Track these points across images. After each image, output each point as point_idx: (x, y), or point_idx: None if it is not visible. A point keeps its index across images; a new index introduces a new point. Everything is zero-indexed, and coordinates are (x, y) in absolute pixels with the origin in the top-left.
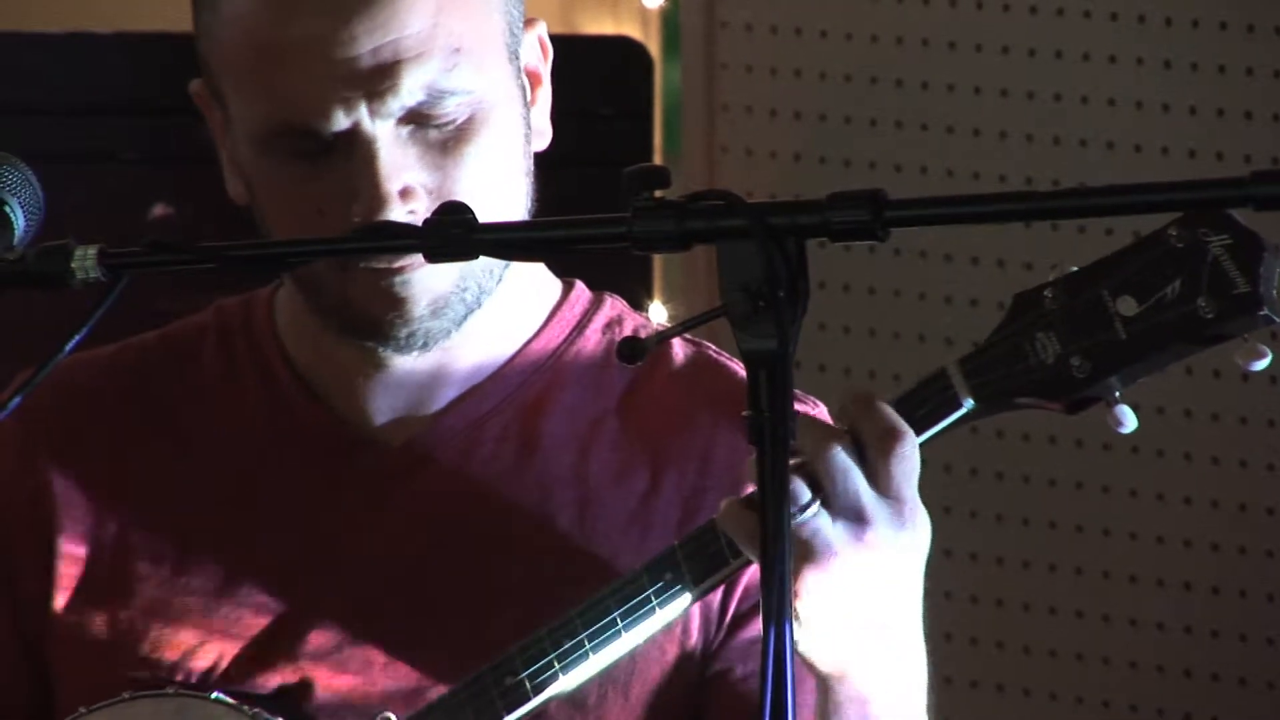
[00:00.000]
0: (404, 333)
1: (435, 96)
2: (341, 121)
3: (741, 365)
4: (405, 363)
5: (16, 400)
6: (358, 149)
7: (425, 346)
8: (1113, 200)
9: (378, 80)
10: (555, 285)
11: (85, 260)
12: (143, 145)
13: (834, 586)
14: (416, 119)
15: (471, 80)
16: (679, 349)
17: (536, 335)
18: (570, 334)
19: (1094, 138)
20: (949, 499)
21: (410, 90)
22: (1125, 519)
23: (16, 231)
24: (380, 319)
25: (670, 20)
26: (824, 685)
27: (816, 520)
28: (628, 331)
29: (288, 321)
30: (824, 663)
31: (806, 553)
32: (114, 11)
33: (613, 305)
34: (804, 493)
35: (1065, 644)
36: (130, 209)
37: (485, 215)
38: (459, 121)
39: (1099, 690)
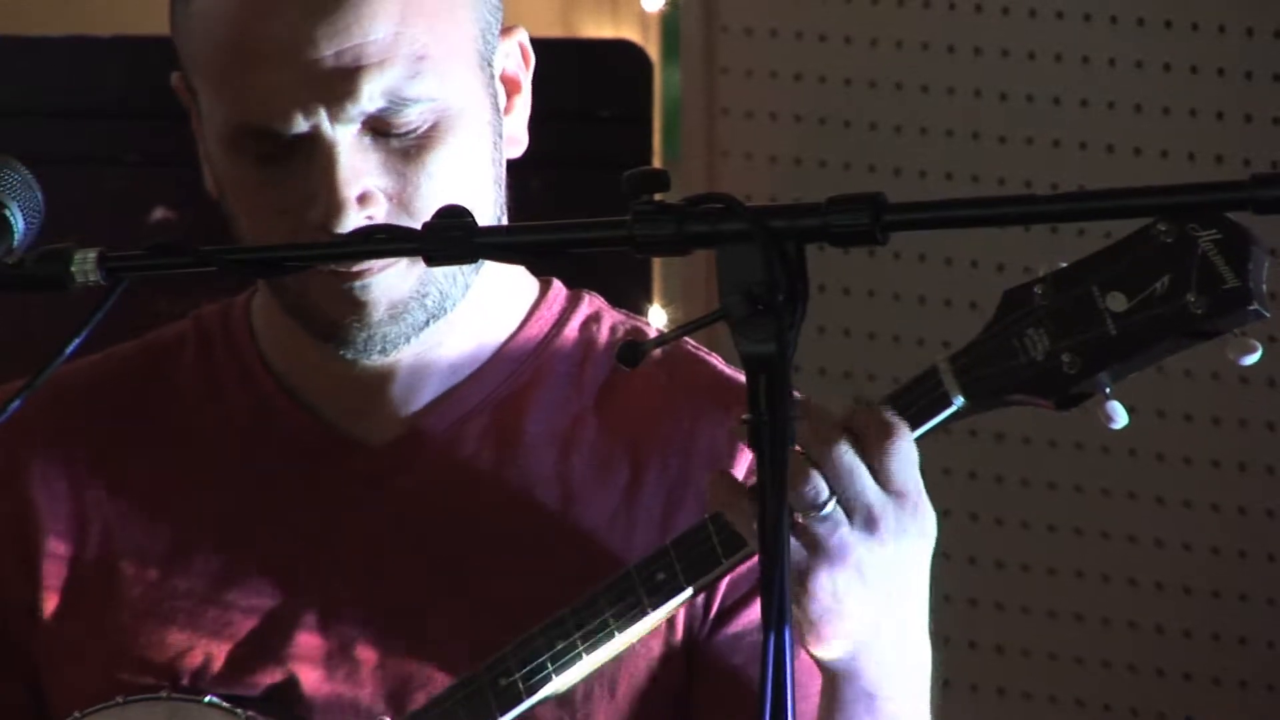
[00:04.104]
0: (361, 337)
1: (397, 104)
2: (301, 125)
3: (718, 358)
4: (385, 364)
5: (17, 403)
6: (317, 153)
7: (384, 351)
8: (1112, 204)
9: (338, 85)
10: (533, 284)
11: (85, 263)
12: (142, 148)
13: (849, 585)
14: (378, 125)
15: (435, 89)
16: None
17: (515, 334)
18: (549, 331)
19: (1093, 141)
20: (948, 502)
21: (370, 97)
22: (1124, 522)
23: (16, 234)
24: (339, 322)
25: (670, 24)
26: (833, 682)
27: (834, 520)
28: (606, 328)
29: (265, 326)
30: (836, 660)
31: (824, 553)
32: (112, 15)
33: (590, 302)
34: (823, 492)
35: (1064, 647)
36: (130, 212)
37: None
38: (422, 129)
39: (1098, 693)
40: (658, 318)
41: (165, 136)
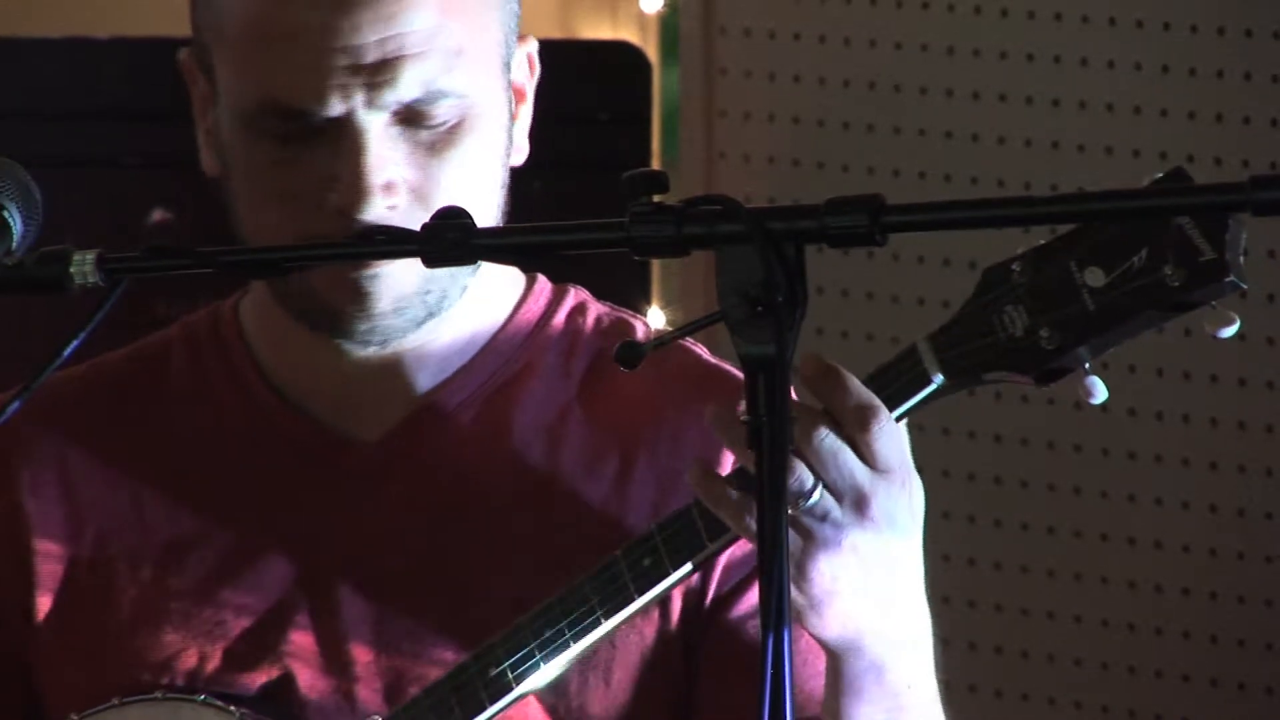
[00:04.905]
0: (363, 328)
1: (431, 96)
2: (336, 108)
3: (704, 348)
4: (375, 359)
5: (16, 405)
6: (346, 138)
7: (383, 344)
8: (1110, 205)
9: (378, 72)
10: (519, 277)
11: (84, 265)
12: (142, 150)
13: (846, 566)
14: (409, 117)
15: (467, 84)
16: (642, 335)
17: (503, 327)
18: (537, 323)
19: (1092, 143)
20: (947, 504)
21: (409, 86)
22: (1122, 524)
23: (15, 236)
24: (341, 312)
25: (669, 25)
26: (838, 660)
27: (822, 505)
28: (592, 319)
29: (257, 328)
30: (839, 638)
31: (816, 538)
32: (113, 17)
33: (576, 294)
34: (808, 480)
35: (1063, 649)
36: (129, 214)
37: None
38: (449, 124)
39: (1097, 695)
40: (656, 319)
41: (164, 138)
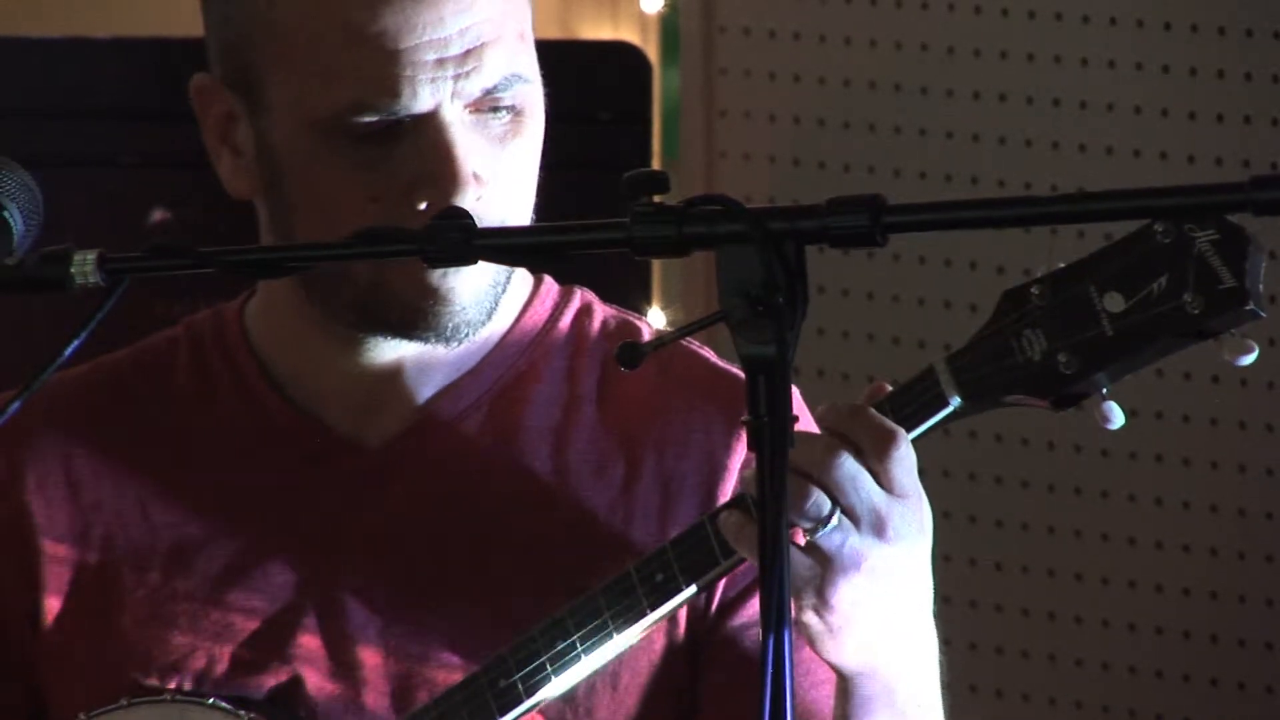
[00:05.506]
0: (450, 324)
1: (508, 81)
2: (426, 102)
3: (710, 351)
4: (385, 363)
5: (17, 405)
6: (431, 133)
7: (467, 337)
8: (1111, 205)
9: (464, 62)
10: (526, 278)
11: (84, 265)
12: (141, 150)
13: (866, 590)
14: (484, 106)
15: (529, 67)
16: (649, 338)
17: (510, 329)
18: (544, 325)
19: (1093, 142)
20: (948, 504)
21: (491, 72)
22: (1123, 524)
23: (15, 236)
24: (427, 312)
25: (669, 25)
26: (850, 683)
27: (842, 530)
28: (598, 321)
29: (263, 330)
30: (856, 662)
31: (838, 564)
32: (111, 16)
33: (582, 296)
34: (825, 504)
35: (1063, 649)
36: (129, 213)
37: (523, 208)
38: (514, 112)
39: (1097, 695)
40: (657, 319)
41: (163, 138)
